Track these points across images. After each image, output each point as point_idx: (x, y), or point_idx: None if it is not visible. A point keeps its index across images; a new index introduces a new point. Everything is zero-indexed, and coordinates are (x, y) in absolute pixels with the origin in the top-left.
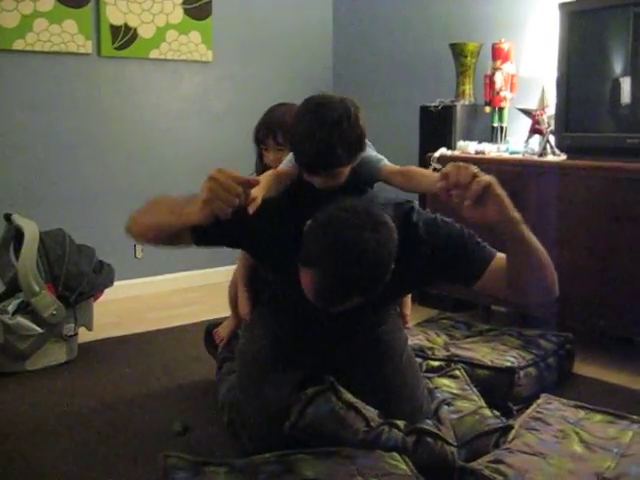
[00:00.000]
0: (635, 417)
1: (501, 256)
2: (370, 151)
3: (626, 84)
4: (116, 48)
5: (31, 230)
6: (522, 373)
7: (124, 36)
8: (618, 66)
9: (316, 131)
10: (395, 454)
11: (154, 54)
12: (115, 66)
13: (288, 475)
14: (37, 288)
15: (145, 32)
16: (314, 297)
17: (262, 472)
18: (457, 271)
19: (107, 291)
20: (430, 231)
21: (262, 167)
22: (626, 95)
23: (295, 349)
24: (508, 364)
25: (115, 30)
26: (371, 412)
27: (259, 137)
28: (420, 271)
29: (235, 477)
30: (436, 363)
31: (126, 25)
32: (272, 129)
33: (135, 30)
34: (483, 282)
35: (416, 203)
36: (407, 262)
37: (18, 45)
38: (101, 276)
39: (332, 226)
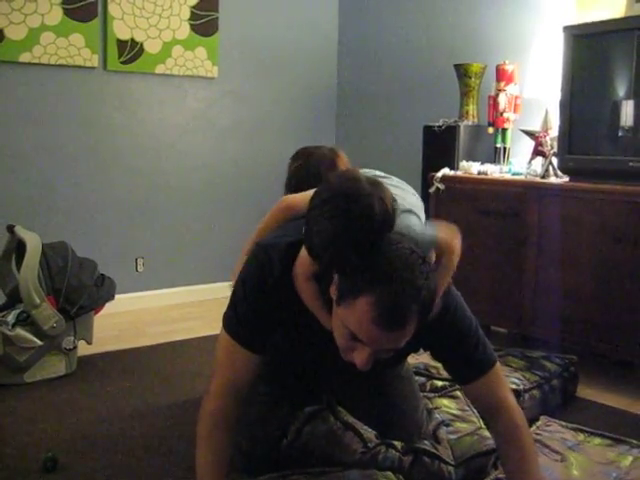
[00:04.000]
0: (634, 441)
1: (498, 370)
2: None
3: (629, 107)
4: (122, 62)
5: (33, 242)
6: (527, 396)
7: (130, 51)
8: (621, 89)
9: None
10: (389, 473)
11: (160, 69)
12: (121, 80)
13: None
14: (38, 300)
15: (151, 47)
16: (379, 321)
17: None
18: (449, 366)
19: (108, 304)
20: (439, 316)
21: None
22: (629, 118)
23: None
24: (513, 386)
25: (121, 44)
26: (369, 432)
27: (303, 185)
28: (421, 341)
29: None
30: (440, 383)
31: (132, 40)
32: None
33: (141, 45)
34: (474, 388)
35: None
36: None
37: (25, 58)
38: (102, 290)
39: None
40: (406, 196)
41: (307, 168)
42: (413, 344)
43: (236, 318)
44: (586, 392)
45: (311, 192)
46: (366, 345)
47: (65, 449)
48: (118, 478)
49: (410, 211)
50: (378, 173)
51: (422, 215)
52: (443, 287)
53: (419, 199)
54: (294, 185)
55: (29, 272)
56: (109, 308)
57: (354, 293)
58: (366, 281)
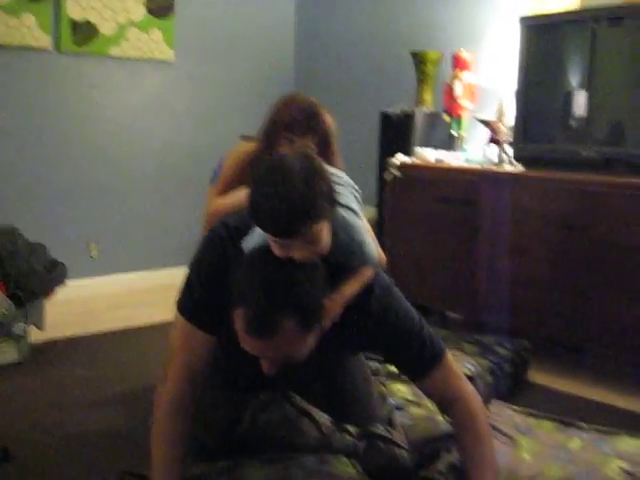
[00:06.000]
0: (583, 424)
1: (448, 362)
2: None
3: (582, 98)
4: (76, 44)
5: None
6: (479, 381)
7: (84, 32)
8: (575, 80)
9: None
10: (343, 458)
11: (115, 51)
12: (75, 62)
13: None
14: None
15: (106, 29)
16: (248, 330)
17: None
18: (398, 365)
19: (61, 291)
20: (379, 319)
21: (273, 151)
22: (582, 109)
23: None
24: (466, 372)
25: (75, 26)
26: (324, 418)
27: (293, 127)
28: (364, 344)
29: None
30: (394, 367)
31: (86, 21)
32: (318, 125)
33: (95, 26)
34: (425, 383)
35: (380, 281)
36: (351, 333)
37: None
38: (53, 274)
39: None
40: (349, 197)
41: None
42: (344, 343)
43: (191, 300)
44: (537, 377)
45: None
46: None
47: (17, 439)
48: (73, 468)
49: (352, 210)
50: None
51: (360, 212)
52: (347, 297)
53: (358, 202)
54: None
55: None
56: (62, 294)
57: (235, 304)
58: (238, 293)
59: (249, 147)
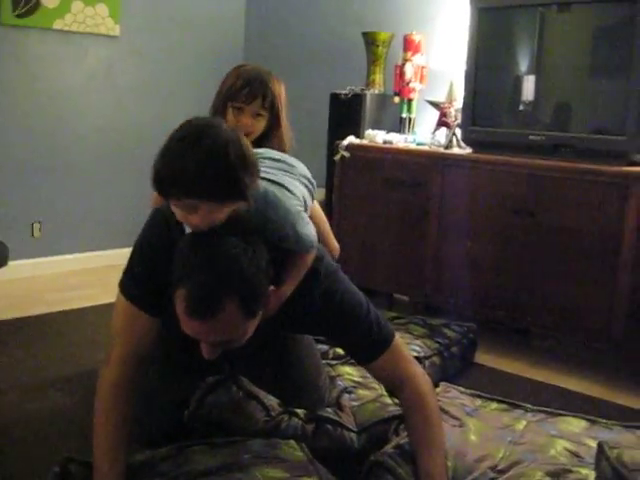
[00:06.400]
0: (528, 406)
1: (396, 345)
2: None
3: (530, 82)
4: (17, 16)
5: None
6: (427, 362)
7: (26, 4)
8: (524, 64)
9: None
10: (292, 441)
11: (58, 25)
12: (16, 35)
13: (181, 468)
14: None
15: (49, 1)
16: (190, 311)
17: (158, 469)
18: (346, 350)
19: (2, 271)
20: (325, 305)
21: None
22: (530, 93)
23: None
24: (414, 354)
25: None
26: (272, 401)
27: (237, 95)
28: (311, 329)
29: (131, 476)
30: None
31: None
32: (264, 90)
33: None
34: (374, 367)
35: (325, 266)
36: (297, 316)
37: None
38: None
39: (202, 244)
40: (293, 183)
41: None
42: (289, 327)
43: (133, 280)
44: (484, 358)
45: None
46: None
47: None
48: (15, 453)
49: (283, 186)
50: (276, 154)
51: (308, 201)
52: (288, 290)
53: (308, 188)
54: None
55: None
56: (4, 274)
57: (175, 284)
58: (182, 273)
59: None
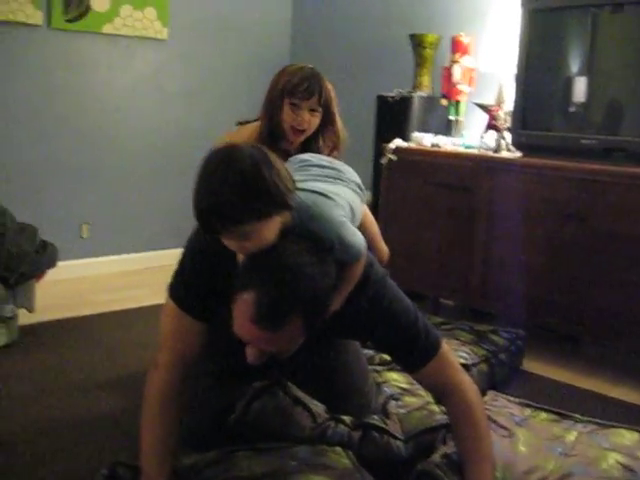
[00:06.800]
0: (578, 416)
1: (444, 353)
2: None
3: (582, 84)
4: (67, 20)
5: None
6: (475, 370)
7: (76, 8)
8: (575, 66)
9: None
10: (338, 448)
11: (107, 29)
12: (66, 39)
13: (227, 474)
14: None
15: (99, 5)
16: (256, 319)
17: (204, 474)
18: (393, 357)
19: (51, 272)
20: (373, 312)
21: (271, 129)
22: (581, 95)
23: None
24: (461, 360)
25: (67, 1)
26: (318, 407)
27: (295, 91)
28: (358, 335)
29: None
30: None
31: None
32: (320, 87)
33: (88, 3)
34: (421, 375)
35: (374, 273)
36: (344, 321)
37: None
38: (43, 256)
39: (274, 253)
40: (339, 191)
41: None
42: (336, 333)
43: (182, 285)
44: (533, 366)
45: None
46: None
47: (5, 424)
48: (61, 454)
49: (326, 196)
50: (324, 159)
51: (357, 208)
52: (341, 301)
53: (357, 194)
54: None
55: None
56: (52, 275)
57: (241, 288)
58: (251, 278)
59: (252, 129)
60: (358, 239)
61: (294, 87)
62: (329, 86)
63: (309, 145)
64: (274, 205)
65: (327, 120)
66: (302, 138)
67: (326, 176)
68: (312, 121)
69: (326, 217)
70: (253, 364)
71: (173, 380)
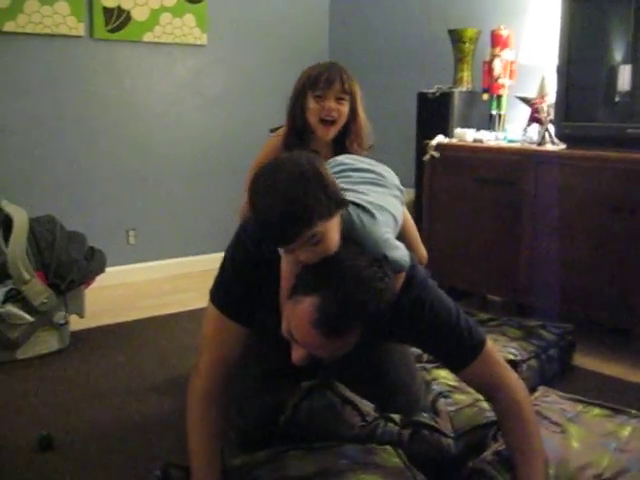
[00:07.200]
0: (633, 411)
1: (488, 351)
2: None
3: (627, 73)
4: (109, 31)
5: (20, 217)
6: (524, 366)
7: (117, 18)
8: (618, 54)
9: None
10: (388, 447)
11: (148, 37)
12: (108, 49)
13: (277, 473)
14: (27, 276)
15: (139, 15)
16: (319, 324)
17: (254, 474)
18: (438, 358)
19: (99, 278)
20: (415, 314)
21: (297, 130)
22: (626, 85)
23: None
24: (510, 357)
25: (108, 12)
26: (367, 406)
27: (317, 82)
28: (401, 337)
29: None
30: None
31: (119, 7)
32: (340, 74)
33: (128, 13)
34: (467, 374)
35: (415, 276)
36: (388, 328)
37: (9, 27)
38: (92, 263)
39: (342, 262)
40: (383, 201)
41: None
42: (380, 336)
43: (224, 290)
44: (583, 361)
45: None
46: (300, 345)
47: (60, 427)
48: (114, 456)
49: (368, 211)
50: (363, 162)
51: (398, 215)
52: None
53: (399, 198)
54: None
55: (17, 248)
56: (101, 281)
57: (304, 291)
58: (318, 282)
59: (279, 137)
60: (401, 253)
61: (315, 78)
62: (353, 77)
63: (338, 144)
64: (336, 201)
65: (351, 117)
66: (333, 132)
67: (367, 182)
68: (341, 110)
69: (370, 237)
70: (298, 364)
71: (214, 384)
